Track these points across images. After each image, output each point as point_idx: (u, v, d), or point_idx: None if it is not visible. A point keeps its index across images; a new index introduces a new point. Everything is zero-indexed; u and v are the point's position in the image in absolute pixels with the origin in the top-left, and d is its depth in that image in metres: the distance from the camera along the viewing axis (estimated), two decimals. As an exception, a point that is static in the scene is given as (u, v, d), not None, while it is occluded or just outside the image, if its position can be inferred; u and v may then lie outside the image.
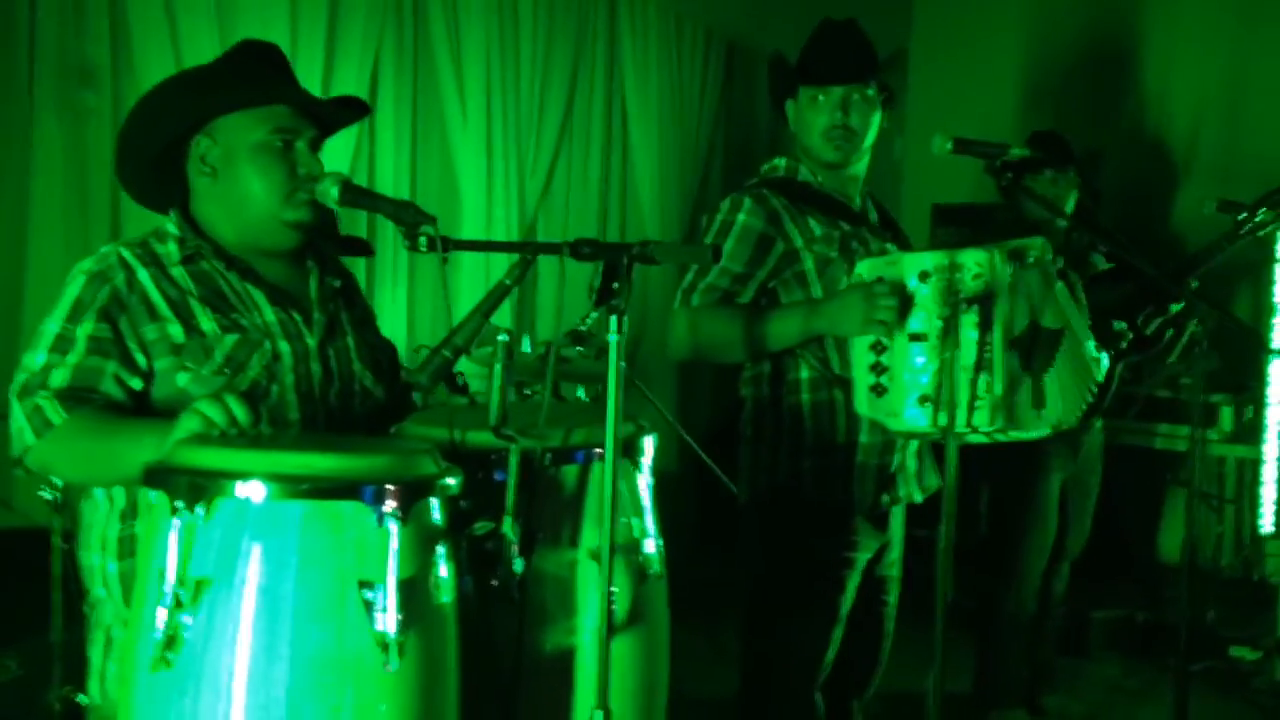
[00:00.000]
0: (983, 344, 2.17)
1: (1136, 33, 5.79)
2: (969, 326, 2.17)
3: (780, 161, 2.54)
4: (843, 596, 2.43)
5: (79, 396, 1.68)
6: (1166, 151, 5.71)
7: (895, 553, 2.56)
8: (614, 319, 1.64)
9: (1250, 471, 4.70)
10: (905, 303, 2.19)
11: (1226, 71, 5.52)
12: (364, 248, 3.15)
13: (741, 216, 2.42)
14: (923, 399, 2.19)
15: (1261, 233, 2.89)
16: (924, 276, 2.19)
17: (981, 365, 2.17)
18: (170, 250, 1.81)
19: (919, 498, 2.51)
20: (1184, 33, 5.62)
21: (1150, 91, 5.77)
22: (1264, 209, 3.14)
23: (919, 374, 2.20)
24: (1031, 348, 2.26)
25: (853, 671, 2.55)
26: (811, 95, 2.46)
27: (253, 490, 1.35)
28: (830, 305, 2.30)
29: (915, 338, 2.20)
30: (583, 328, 3.69)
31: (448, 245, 1.67)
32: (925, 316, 2.19)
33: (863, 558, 2.45)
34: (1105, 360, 2.38)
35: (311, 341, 1.84)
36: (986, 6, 6.09)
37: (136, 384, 1.73)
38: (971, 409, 2.18)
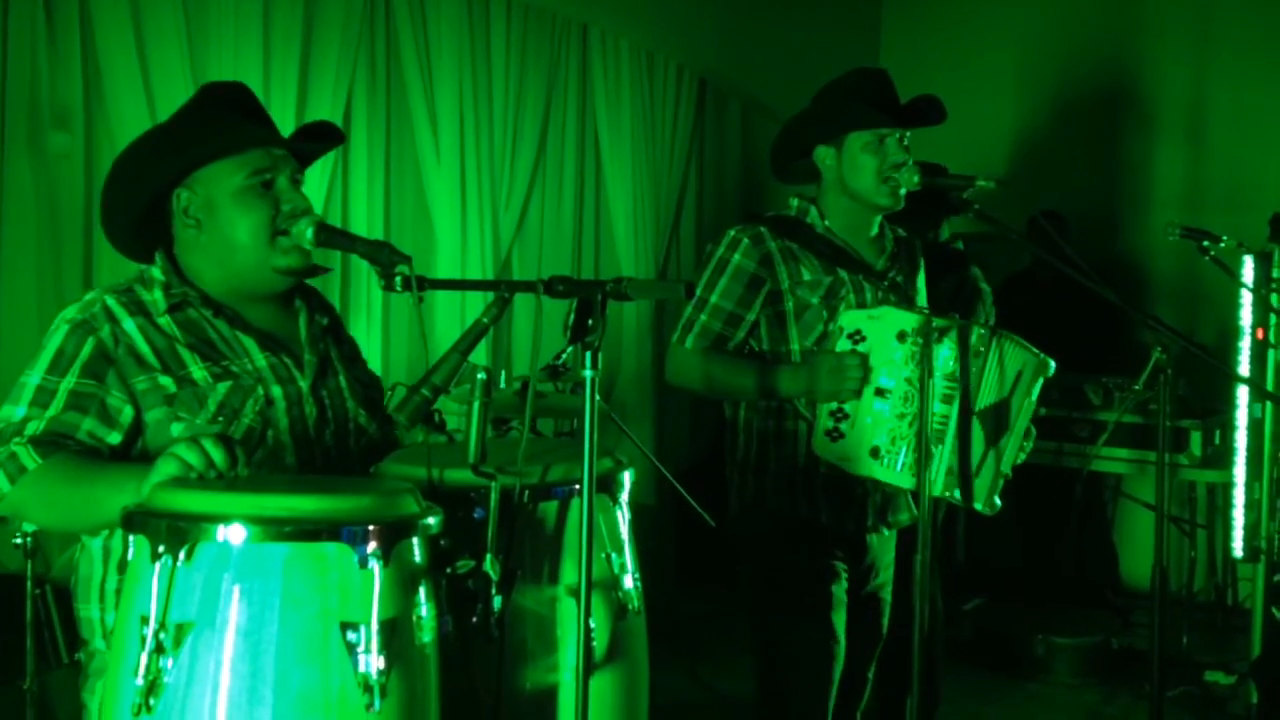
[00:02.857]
0: (931, 413, 2.26)
1: (1103, 65, 5.90)
2: (935, 397, 2.26)
3: (794, 201, 2.60)
4: (833, 601, 2.46)
5: (54, 443, 1.68)
6: (1131, 178, 5.80)
7: (883, 576, 2.60)
8: (588, 355, 1.66)
9: (1221, 496, 4.75)
10: (869, 367, 2.30)
11: (1188, 100, 5.64)
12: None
13: (737, 256, 2.50)
14: (874, 450, 2.28)
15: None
16: (901, 336, 2.27)
17: (940, 434, 2.28)
18: (157, 298, 1.81)
19: (886, 532, 2.55)
20: (1150, 63, 5.73)
21: (1116, 121, 5.87)
22: (1225, 237, 3.22)
23: (875, 426, 2.27)
24: (998, 423, 2.34)
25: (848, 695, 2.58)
26: (870, 139, 2.49)
27: (234, 533, 1.35)
28: (804, 374, 2.40)
29: (880, 392, 2.27)
30: (558, 363, 3.71)
31: (423, 285, 1.68)
32: (895, 374, 2.26)
33: (843, 568, 2.49)
34: (1029, 448, 2.46)
35: (304, 384, 1.84)
36: (953, 42, 6.20)
37: (114, 438, 1.72)
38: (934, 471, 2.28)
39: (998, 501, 2.40)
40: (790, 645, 2.47)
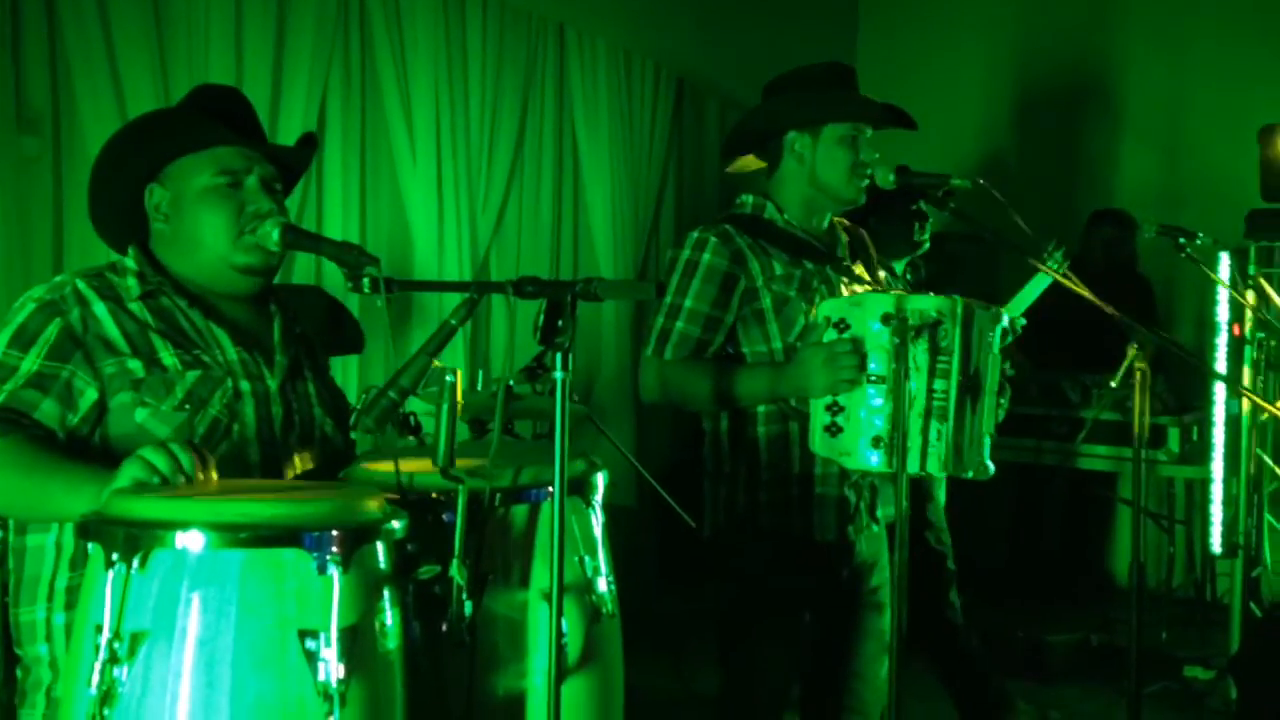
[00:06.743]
0: (932, 390, 2.21)
1: (1082, 64, 5.92)
2: (922, 372, 2.21)
3: (748, 199, 2.56)
4: (804, 625, 2.43)
5: (11, 420, 1.64)
6: (1105, 176, 5.82)
7: (878, 578, 2.54)
8: (559, 356, 1.65)
9: (1199, 492, 4.76)
10: (862, 353, 2.23)
11: (1162, 97, 5.67)
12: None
13: (706, 256, 2.43)
14: (876, 440, 2.23)
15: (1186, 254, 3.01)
16: (886, 319, 2.22)
17: (932, 411, 2.22)
18: (130, 284, 1.79)
19: (875, 529, 2.52)
20: (1126, 61, 5.76)
21: (1089, 119, 5.89)
22: (1201, 234, 3.22)
23: (874, 415, 2.23)
24: (975, 391, 2.30)
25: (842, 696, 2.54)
26: (846, 133, 2.47)
27: (191, 540, 1.33)
28: (794, 370, 2.32)
29: (873, 380, 2.23)
30: (536, 365, 3.68)
31: (391, 286, 1.67)
32: (885, 359, 2.22)
33: (830, 583, 2.46)
34: (1005, 406, 2.43)
35: (273, 383, 1.83)
36: (931, 40, 6.21)
37: (71, 420, 1.69)
38: (924, 454, 2.22)
39: (991, 465, 2.37)
40: (762, 667, 2.44)
